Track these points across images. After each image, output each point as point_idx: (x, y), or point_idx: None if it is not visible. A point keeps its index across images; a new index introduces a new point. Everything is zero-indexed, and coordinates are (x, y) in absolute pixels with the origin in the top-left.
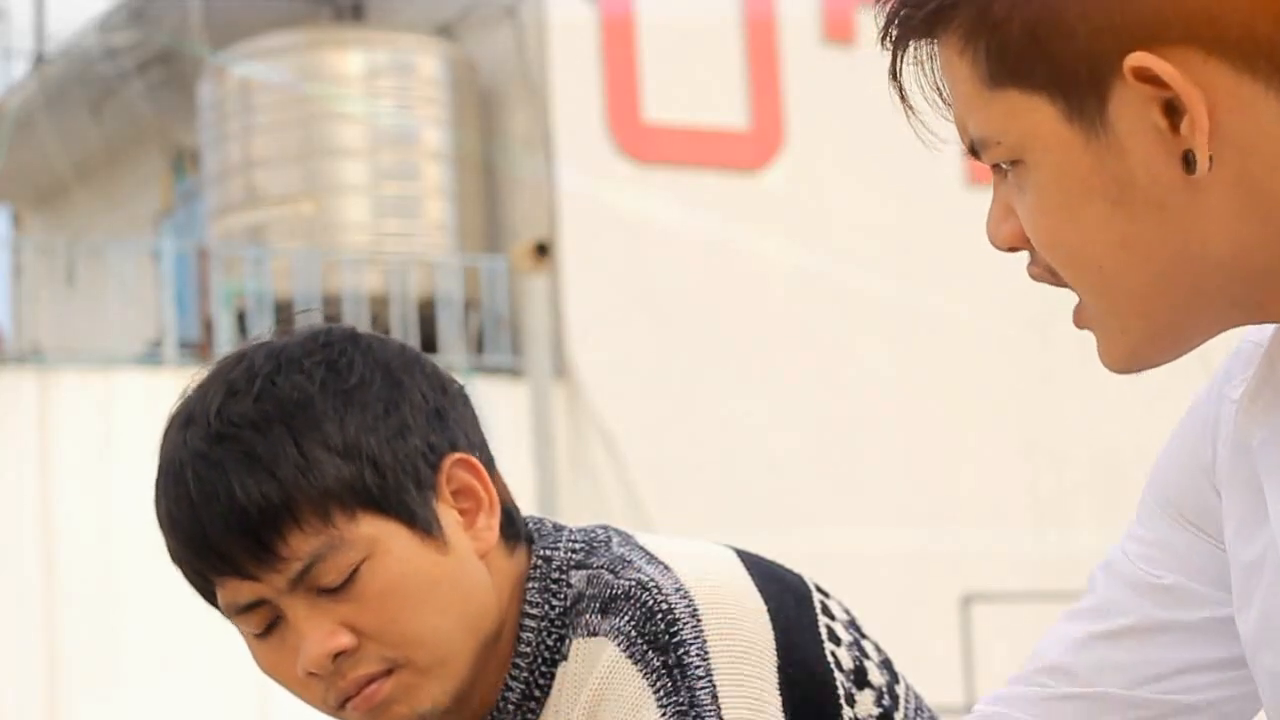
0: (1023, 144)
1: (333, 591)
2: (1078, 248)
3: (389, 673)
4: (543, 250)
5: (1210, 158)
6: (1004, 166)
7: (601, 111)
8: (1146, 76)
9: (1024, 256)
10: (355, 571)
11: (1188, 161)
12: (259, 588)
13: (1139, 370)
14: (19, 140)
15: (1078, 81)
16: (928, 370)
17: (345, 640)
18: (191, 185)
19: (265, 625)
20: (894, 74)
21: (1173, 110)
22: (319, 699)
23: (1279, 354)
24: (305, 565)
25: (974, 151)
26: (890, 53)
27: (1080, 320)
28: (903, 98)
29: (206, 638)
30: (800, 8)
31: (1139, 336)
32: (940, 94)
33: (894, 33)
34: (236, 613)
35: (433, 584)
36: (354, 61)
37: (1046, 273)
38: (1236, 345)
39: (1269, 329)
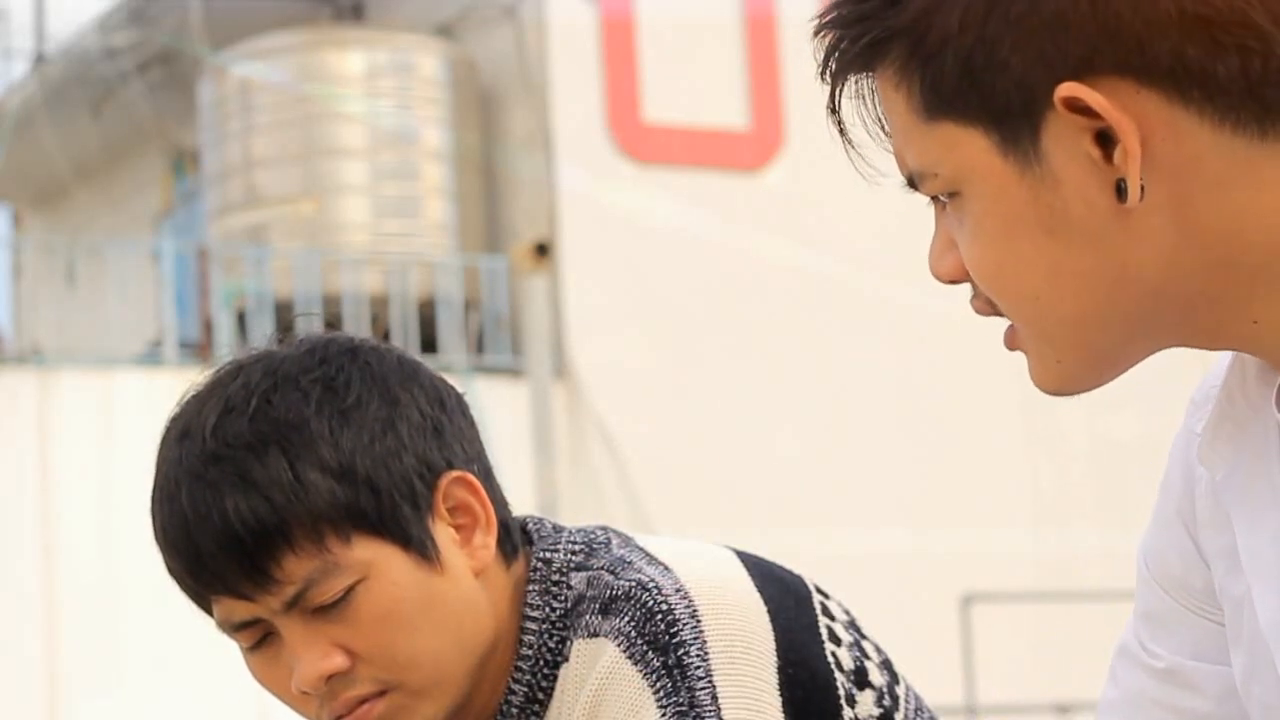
0: (959, 176)
1: (327, 611)
2: (1013, 278)
3: (382, 694)
4: (543, 250)
5: (1142, 187)
6: (942, 199)
7: (601, 111)
8: (1078, 107)
9: (968, 288)
10: (350, 592)
11: (1120, 190)
12: (253, 607)
13: (1071, 394)
14: (19, 140)
15: (1011, 113)
16: (928, 370)
17: (339, 662)
18: (191, 185)
19: (260, 640)
20: (833, 107)
21: (1105, 140)
22: (313, 714)
23: (1236, 388)
24: (300, 589)
25: (912, 183)
26: (829, 85)
27: (1012, 343)
28: (842, 131)
29: (206, 638)
30: (800, 8)
31: (1073, 364)
32: (882, 127)
33: (833, 65)
34: (231, 629)
35: (427, 607)
36: (354, 61)
37: (986, 305)
38: (1200, 386)
39: (1224, 368)
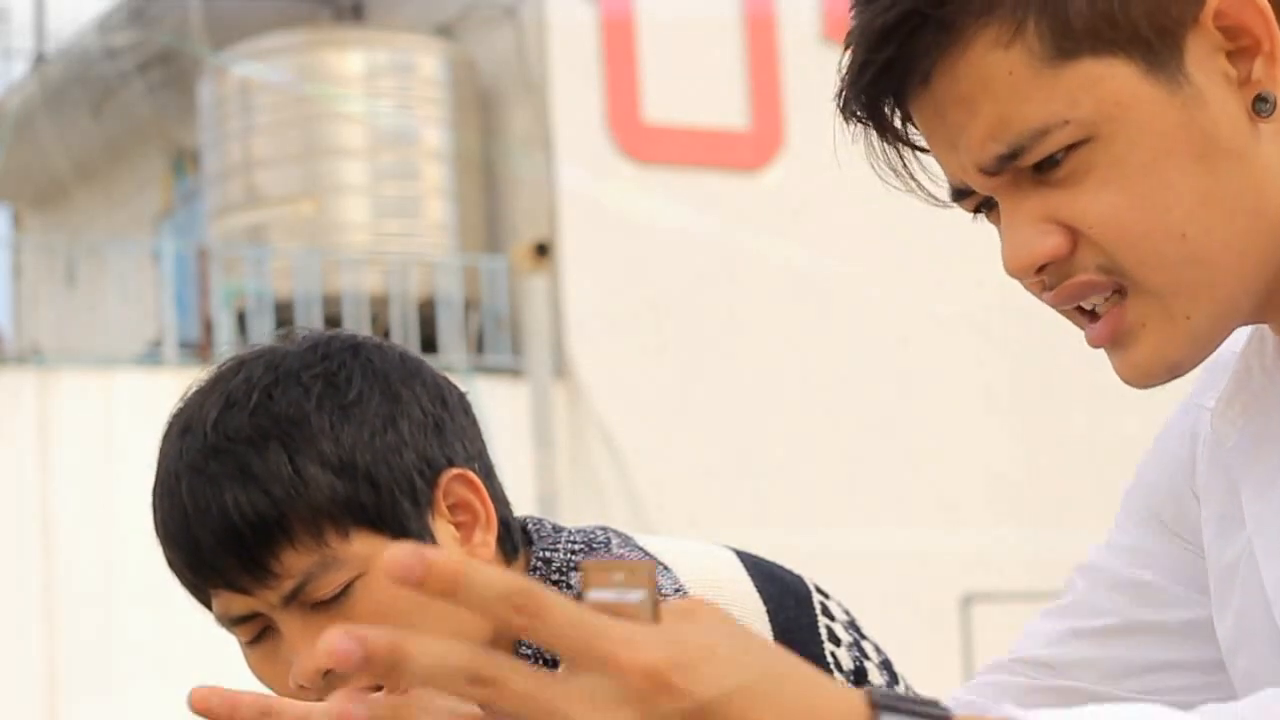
0: (1101, 113)
1: (326, 606)
2: (1161, 214)
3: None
4: (543, 250)
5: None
6: (1056, 158)
7: (601, 111)
8: (1223, 24)
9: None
10: (349, 587)
11: (1257, 108)
12: (252, 602)
13: (1178, 372)
14: (19, 140)
15: (1158, 33)
16: (928, 370)
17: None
18: (191, 185)
19: (258, 635)
20: (926, 69)
21: (1235, 60)
22: None
23: (1255, 358)
24: (298, 583)
25: (1011, 156)
26: (911, 58)
27: (1118, 326)
28: (903, 123)
29: (206, 638)
30: (800, 7)
31: (1201, 319)
32: (901, 165)
33: (924, 38)
34: (230, 623)
35: (425, 604)
36: (354, 61)
37: (1080, 288)
38: (1212, 356)
39: (1241, 340)
